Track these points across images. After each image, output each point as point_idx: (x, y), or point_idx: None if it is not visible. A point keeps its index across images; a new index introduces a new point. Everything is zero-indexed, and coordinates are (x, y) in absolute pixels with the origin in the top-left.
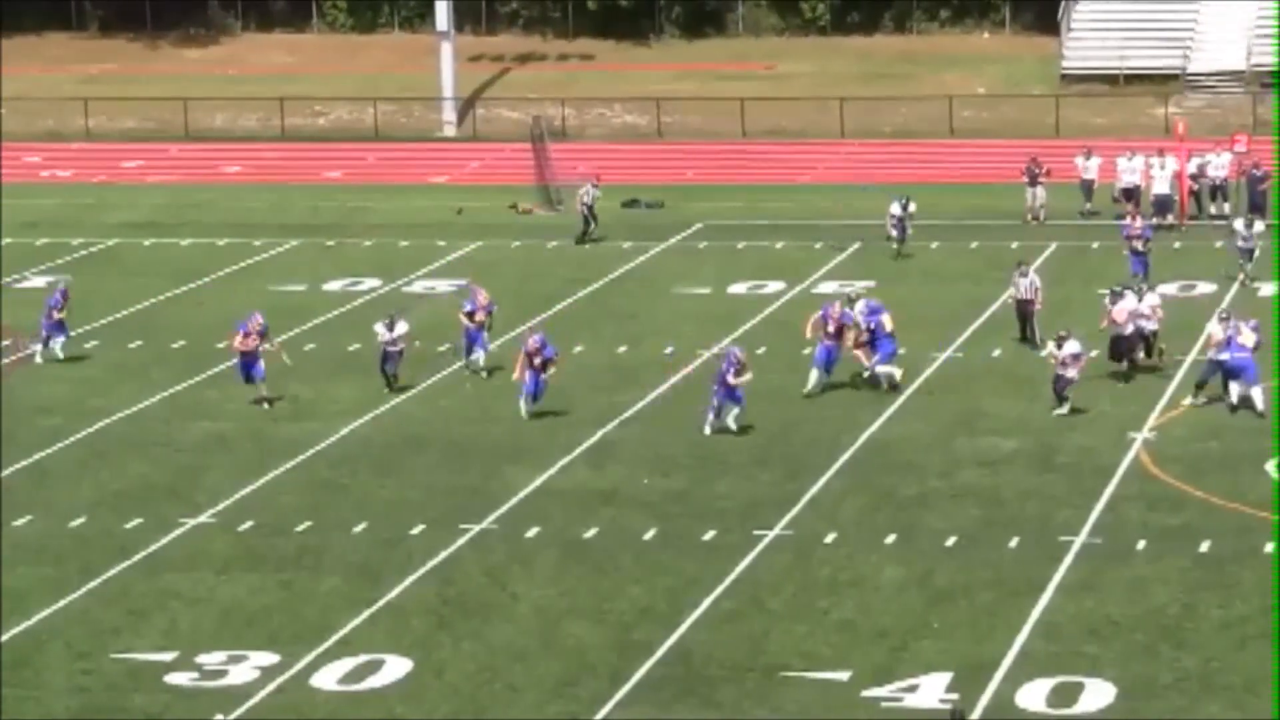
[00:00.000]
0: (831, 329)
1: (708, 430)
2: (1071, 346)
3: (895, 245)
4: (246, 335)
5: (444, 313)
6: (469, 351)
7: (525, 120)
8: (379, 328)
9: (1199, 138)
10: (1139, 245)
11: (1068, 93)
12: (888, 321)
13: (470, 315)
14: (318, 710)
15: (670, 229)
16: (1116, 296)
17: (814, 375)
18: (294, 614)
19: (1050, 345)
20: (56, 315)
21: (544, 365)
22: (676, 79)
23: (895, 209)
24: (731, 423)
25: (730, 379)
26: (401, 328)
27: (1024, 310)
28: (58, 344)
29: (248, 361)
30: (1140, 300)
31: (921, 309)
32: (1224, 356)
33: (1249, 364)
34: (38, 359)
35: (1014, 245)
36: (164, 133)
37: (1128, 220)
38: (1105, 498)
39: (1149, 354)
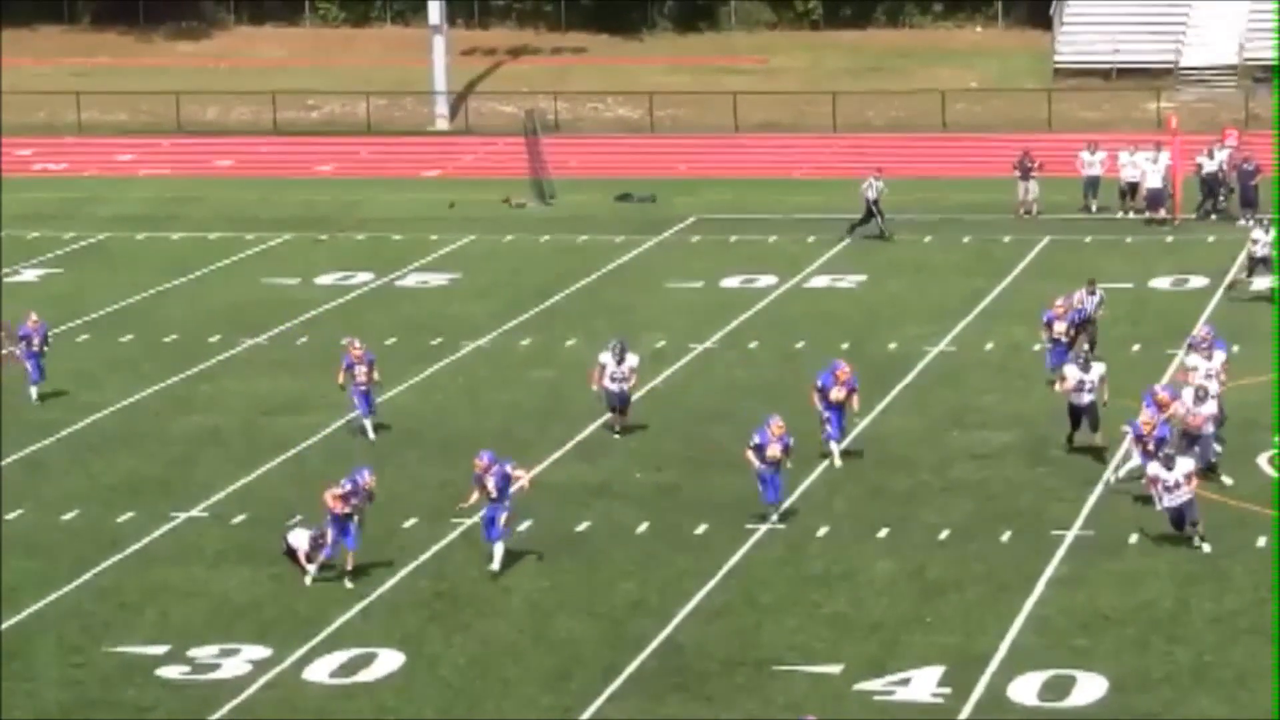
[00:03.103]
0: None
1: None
2: (1184, 465)
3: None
4: (350, 495)
5: (433, 307)
6: (772, 494)
7: (518, 114)
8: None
9: (1192, 132)
10: (1059, 331)
11: (1060, 87)
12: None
13: (759, 450)
14: (310, 703)
15: (662, 223)
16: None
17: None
18: (286, 607)
19: (1156, 467)
20: None
21: (501, 490)
22: (669, 73)
23: (1261, 237)
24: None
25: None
26: (298, 538)
27: (1084, 329)
28: None
29: (344, 525)
30: (1087, 371)
31: (913, 303)
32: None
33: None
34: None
35: (1006, 239)
36: (156, 126)
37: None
38: (1098, 491)
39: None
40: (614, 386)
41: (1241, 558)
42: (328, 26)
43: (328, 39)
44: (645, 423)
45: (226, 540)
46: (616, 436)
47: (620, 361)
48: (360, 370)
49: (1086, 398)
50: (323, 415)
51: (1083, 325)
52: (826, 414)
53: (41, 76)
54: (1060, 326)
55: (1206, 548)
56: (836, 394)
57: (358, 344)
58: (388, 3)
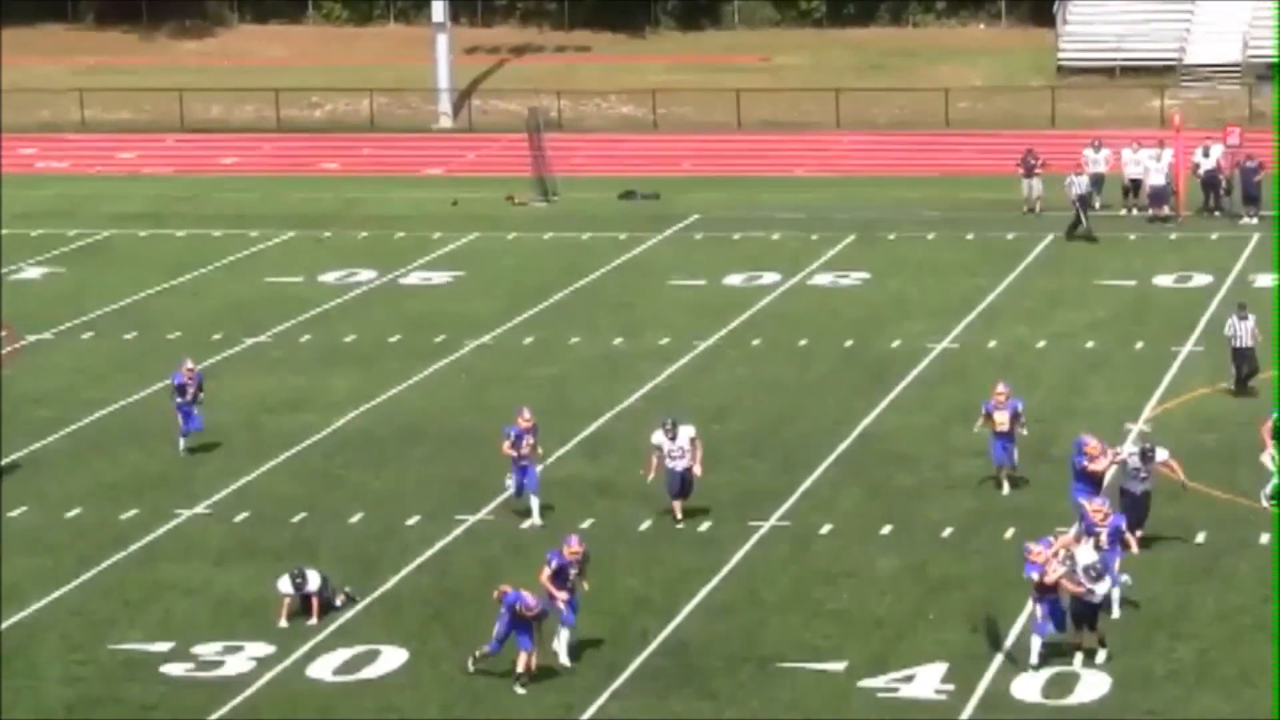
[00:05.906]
0: None
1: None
2: (1086, 555)
3: None
4: (562, 571)
5: (436, 305)
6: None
7: (521, 112)
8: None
9: (1195, 129)
10: (1001, 421)
11: (1064, 84)
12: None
13: (1039, 588)
14: (314, 700)
15: (665, 220)
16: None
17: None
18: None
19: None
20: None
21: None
22: (672, 71)
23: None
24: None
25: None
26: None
27: (1243, 358)
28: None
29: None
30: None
31: (917, 300)
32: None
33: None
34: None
35: (1010, 236)
36: (160, 124)
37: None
38: (1101, 489)
39: None
40: (674, 465)
41: (1245, 555)
42: (331, 25)
43: (331, 37)
44: (647, 422)
45: (230, 538)
46: (679, 526)
47: (674, 438)
48: (527, 442)
49: (1139, 486)
50: (325, 413)
51: (1237, 356)
52: (1083, 500)
53: (44, 75)
54: (1001, 416)
55: (1101, 656)
56: (1095, 466)
57: (527, 413)
58: (391, 1)
